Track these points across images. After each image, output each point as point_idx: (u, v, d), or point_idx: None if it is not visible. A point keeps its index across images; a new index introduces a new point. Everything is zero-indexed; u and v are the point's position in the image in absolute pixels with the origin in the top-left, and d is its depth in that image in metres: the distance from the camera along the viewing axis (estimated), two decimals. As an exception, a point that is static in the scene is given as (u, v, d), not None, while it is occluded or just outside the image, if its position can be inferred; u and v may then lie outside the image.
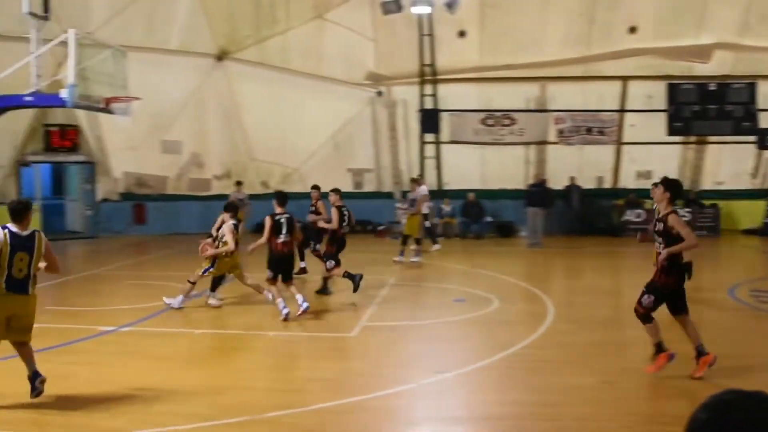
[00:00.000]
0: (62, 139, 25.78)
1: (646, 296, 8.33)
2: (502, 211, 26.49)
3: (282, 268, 11.97)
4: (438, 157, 27.92)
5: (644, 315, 8.41)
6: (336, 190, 14.34)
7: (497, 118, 27.19)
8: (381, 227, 26.31)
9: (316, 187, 16.16)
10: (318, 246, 15.07)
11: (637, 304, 8.48)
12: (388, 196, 27.73)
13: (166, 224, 27.14)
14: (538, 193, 22.67)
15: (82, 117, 25.14)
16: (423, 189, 20.26)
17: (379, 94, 27.64)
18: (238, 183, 24.47)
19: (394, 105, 28.05)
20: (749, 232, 26.25)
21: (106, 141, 26.11)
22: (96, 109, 17.13)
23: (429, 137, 27.71)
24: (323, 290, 14.09)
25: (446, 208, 26.28)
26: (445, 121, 27.53)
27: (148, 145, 26.58)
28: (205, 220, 21.86)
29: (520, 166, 27.62)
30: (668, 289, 8.10)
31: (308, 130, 27.37)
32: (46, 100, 17.17)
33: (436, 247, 21.71)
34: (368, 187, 28.13)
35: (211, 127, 27.47)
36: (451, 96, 27.50)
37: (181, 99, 26.46)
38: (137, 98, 17.28)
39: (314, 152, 27.68)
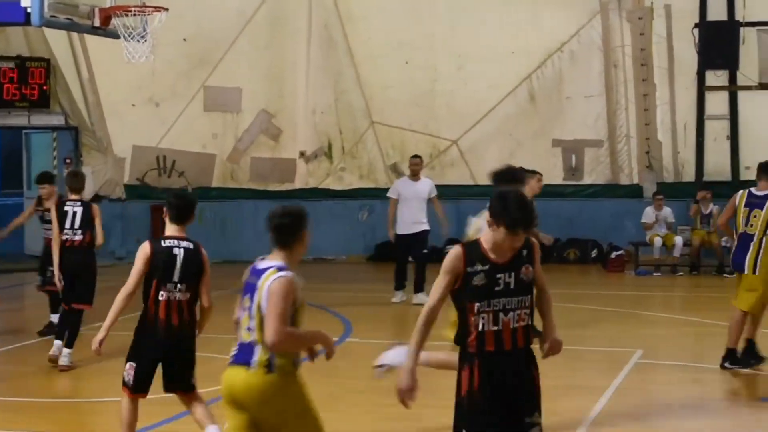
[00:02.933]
0: (21, 85, 25.64)
1: None
2: None
3: None
4: (734, 118, 25.69)
5: None
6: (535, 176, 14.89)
7: None
8: (617, 253, 24.51)
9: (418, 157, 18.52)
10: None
11: None
12: (634, 193, 26.44)
13: (211, 243, 22.91)
14: None
15: (59, 46, 25.27)
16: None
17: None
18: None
19: (648, 15, 26.04)
20: None
21: (103, 91, 25.68)
22: (84, 29, 18.16)
23: (715, 78, 25.76)
24: None
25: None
26: (751, 47, 25.14)
27: (179, 99, 26.14)
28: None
29: None
30: None
31: (482, 67, 26.02)
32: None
33: None
34: (593, 176, 26.53)
35: (296, 63, 27.03)
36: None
37: (242, 12, 26.11)
38: (162, 8, 17.52)
39: (490, 111, 26.34)
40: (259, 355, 6.70)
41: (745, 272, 12.21)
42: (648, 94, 25.62)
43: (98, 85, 25.36)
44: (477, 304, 6.42)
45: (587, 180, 25.99)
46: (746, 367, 12.13)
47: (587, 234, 24.61)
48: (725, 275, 21.97)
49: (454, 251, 6.44)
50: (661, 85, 25.61)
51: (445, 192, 19.79)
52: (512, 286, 6.25)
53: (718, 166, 25.30)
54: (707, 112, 25.45)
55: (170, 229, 8.39)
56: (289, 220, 6.87)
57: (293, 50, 26.63)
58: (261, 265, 6.83)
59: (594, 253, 24.78)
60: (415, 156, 18.46)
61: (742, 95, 25.18)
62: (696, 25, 24.71)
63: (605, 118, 25.96)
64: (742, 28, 24.67)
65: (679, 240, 22.48)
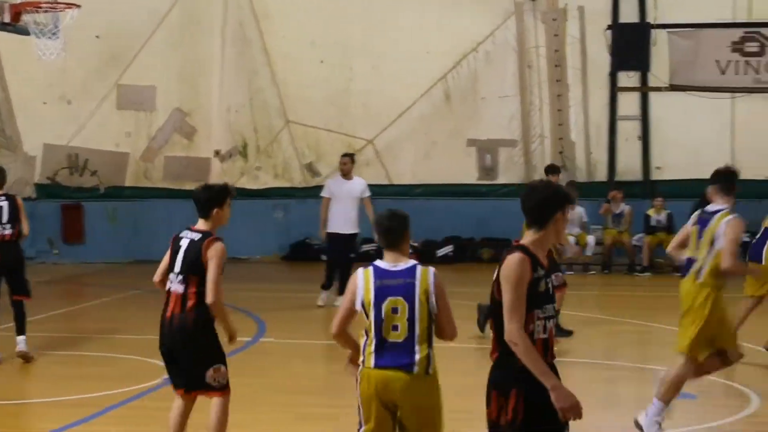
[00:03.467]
0: None
1: None
2: None
3: None
4: (645, 119, 26.02)
5: None
6: None
7: (767, 40, 25.22)
8: None
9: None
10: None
11: None
12: None
13: (125, 243, 26.27)
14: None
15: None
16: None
17: (536, -6, 26.84)
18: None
19: (562, 17, 26.39)
20: None
21: (13, 88, 25.64)
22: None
23: (627, 79, 26.14)
24: None
25: (656, 215, 24.52)
26: (662, 49, 25.56)
27: (92, 97, 26.01)
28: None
29: None
30: None
31: (398, 66, 26.07)
32: None
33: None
34: (507, 175, 26.57)
35: (211, 62, 27.10)
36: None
37: (155, 10, 25.98)
38: (74, 4, 17.33)
39: (406, 111, 26.38)
40: (418, 357, 6.85)
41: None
42: (561, 94, 25.85)
43: (8, 81, 24.98)
44: (537, 311, 6.15)
45: (502, 179, 26.05)
46: None
47: (501, 233, 24.33)
48: (636, 274, 22.52)
49: (518, 258, 5.97)
50: (575, 86, 25.90)
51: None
52: (551, 291, 6.10)
53: (629, 166, 25.57)
54: (619, 112, 25.74)
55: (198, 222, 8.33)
56: (397, 222, 7.20)
57: (208, 48, 26.53)
58: (397, 267, 7.03)
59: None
60: (345, 155, 18.48)
61: (653, 96, 25.51)
62: (609, 27, 24.94)
63: (519, 118, 26.08)
64: (653, 30, 25.00)
65: (591, 239, 22.78)
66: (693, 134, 24.43)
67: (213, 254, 7.93)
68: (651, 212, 23.37)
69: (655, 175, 26.16)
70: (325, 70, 25.92)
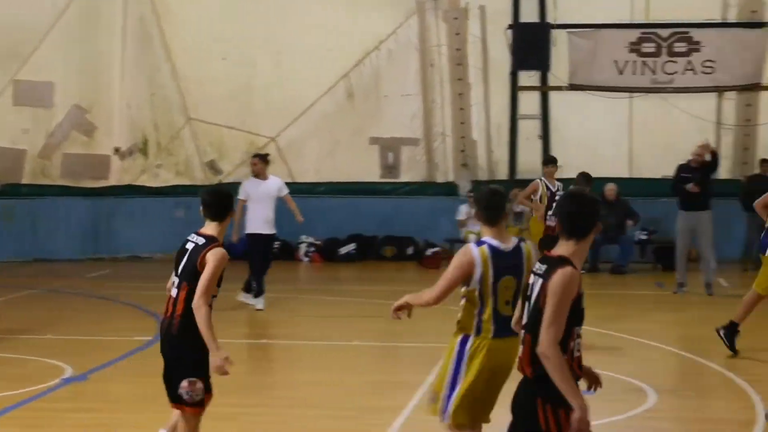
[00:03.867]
0: None
1: None
2: (664, 219, 23.88)
3: None
4: (545, 118, 26.13)
5: None
6: None
7: (663, 41, 25.51)
8: (433, 250, 24.79)
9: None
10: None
11: None
12: (449, 191, 26.51)
13: (22, 242, 25.99)
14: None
15: None
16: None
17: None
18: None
19: (463, 16, 26.48)
20: None
21: None
22: None
23: (528, 79, 26.24)
24: None
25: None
26: (561, 49, 25.70)
27: None
28: (97, 234, 25.01)
29: (705, 135, 23.50)
30: None
31: (300, 64, 26.24)
32: None
33: None
34: (409, 174, 26.75)
35: (111, 57, 26.86)
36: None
37: (54, 4, 25.74)
38: None
39: (308, 108, 26.39)
40: None
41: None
42: (463, 93, 25.90)
43: None
44: (576, 328, 6.05)
45: (404, 178, 26.20)
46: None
47: (404, 231, 24.83)
48: (536, 270, 22.61)
49: (572, 273, 5.88)
50: (476, 85, 25.99)
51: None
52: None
53: (529, 164, 25.24)
54: (520, 111, 25.80)
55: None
56: (499, 199, 7.63)
57: (108, 44, 26.23)
58: (509, 247, 7.58)
59: (410, 251, 24.89)
60: (255, 155, 18.30)
61: (553, 95, 25.71)
62: (510, 27, 24.99)
63: (422, 116, 26.09)
64: (553, 30, 25.15)
65: (492, 237, 22.55)
66: (592, 133, 24.63)
67: (210, 258, 7.72)
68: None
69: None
70: (227, 66, 25.81)
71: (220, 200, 8.12)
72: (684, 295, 18.66)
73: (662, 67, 24.78)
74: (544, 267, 5.84)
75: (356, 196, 24.48)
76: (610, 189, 22.67)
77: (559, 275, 5.82)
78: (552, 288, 5.82)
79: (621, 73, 24.64)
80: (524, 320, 6.13)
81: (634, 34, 24.43)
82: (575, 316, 5.94)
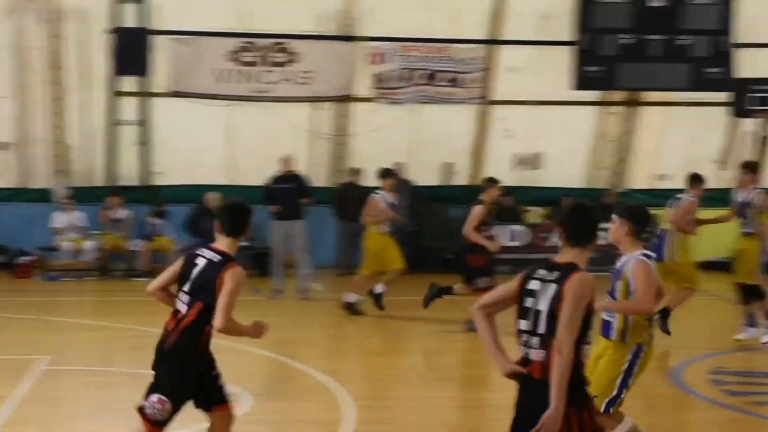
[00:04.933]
0: None
1: None
2: (261, 226, 23.70)
3: None
4: (145, 124, 25.94)
5: None
6: None
7: (262, 51, 26.05)
8: (26, 258, 24.63)
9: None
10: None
11: None
12: (44, 197, 25.96)
13: None
14: (289, 194, 21.00)
15: None
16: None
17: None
18: None
19: (60, 18, 25.72)
20: (712, 266, 24.62)
21: None
22: None
23: (127, 84, 25.96)
24: None
25: (155, 220, 24.99)
26: (162, 54, 25.61)
27: None
28: None
29: (301, 144, 25.96)
30: None
31: None
32: None
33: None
34: (2, 180, 26.15)
35: None
36: (172, 5, 25.50)
37: None
38: None
39: None
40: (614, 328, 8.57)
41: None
42: (61, 97, 25.36)
43: None
44: (587, 333, 6.42)
45: (-4, 183, 25.45)
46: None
47: (-5, 239, 24.40)
48: (132, 279, 22.74)
49: (588, 277, 6.23)
50: (74, 89, 25.49)
51: None
52: None
53: (129, 171, 25.68)
54: (121, 117, 25.53)
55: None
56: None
57: None
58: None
59: (2, 259, 24.34)
60: None
61: (156, 102, 25.69)
62: (109, 31, 24.77)
63: (16, 120, 25.44)
64: (157, 36, 24.91)
65: (89, 244, 22.69)
66: (193, 140, 24.98)
67: (230, 278, 7.62)
68: (149, 218, 23.65)
69: (156, 180, 26.32)
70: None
71: (244, 215, 8.07)
72: (281, 300, 19.19)
73: (261, 76, 25.43)
74: (555, 273, 6.12)
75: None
76: (214, 197, 22.73)
77: (578, 278, 6.15)
78: (572, 290, 6.12)
79: (221, 81, 25.04)
80: (540, 329, 6.28)
81: (233, 43, 24.87)
82: (585, 321, 6.27)
